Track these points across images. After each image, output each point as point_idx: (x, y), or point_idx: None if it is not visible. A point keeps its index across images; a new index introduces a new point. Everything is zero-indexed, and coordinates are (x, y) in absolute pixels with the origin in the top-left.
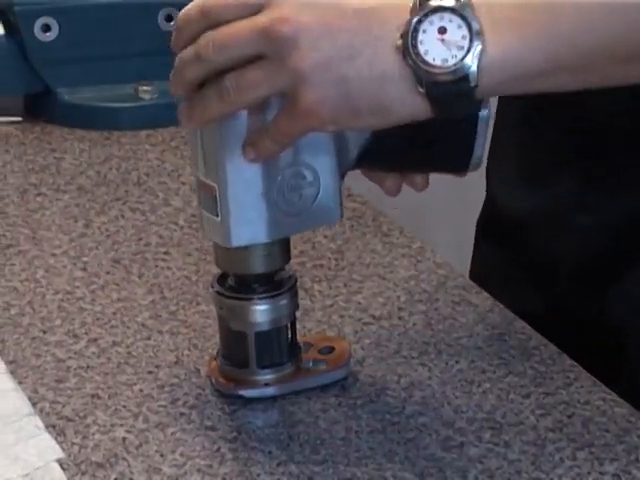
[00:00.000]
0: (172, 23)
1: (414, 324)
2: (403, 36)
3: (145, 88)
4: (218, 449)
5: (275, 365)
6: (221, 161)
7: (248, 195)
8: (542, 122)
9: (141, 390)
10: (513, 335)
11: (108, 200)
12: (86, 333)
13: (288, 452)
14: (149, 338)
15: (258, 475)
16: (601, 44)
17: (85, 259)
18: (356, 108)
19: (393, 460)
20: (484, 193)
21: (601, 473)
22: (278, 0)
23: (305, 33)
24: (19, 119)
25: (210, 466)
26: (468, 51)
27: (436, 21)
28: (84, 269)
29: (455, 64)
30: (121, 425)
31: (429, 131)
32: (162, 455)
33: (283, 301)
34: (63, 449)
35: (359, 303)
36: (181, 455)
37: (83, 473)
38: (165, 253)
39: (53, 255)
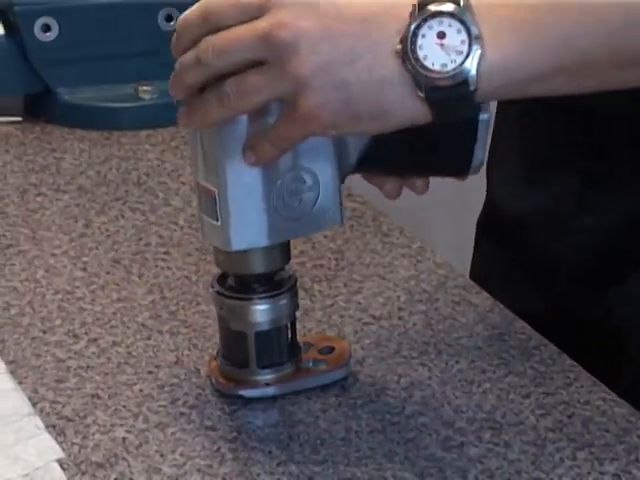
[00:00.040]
0: (172, 23)
1: (414, 324)
2: (402, 41)
3: (145, 88)
4: (218, 449)
5: (275, 365)
6: (221, 165)
7: (248, 199)
8: (542, 122)
9: (141, 390)
10: (513, 335)
11: (108, 200)
12: (86, 333)
13: (288, 452)
14: (149, 338)
15: (258, 475)
16: (599, 48)
17: (85, 259)
18: (356, 112)
19: (393, 460)
20: (484, 193)
21: (601, 473)
22: (278, 5)
23: (305, 38)
24: (19, 119)
25: (210, 466)
26: (467, 56)
27: (435, 26)
28: (84, 269)
29: (454, 69)
30: (121, 425)
31: (429, 135)
32: (162, 455)
33: (283, 301)
34: (63, 449)
35: (359, 303)
36: (181, 455)
37: (83, 473)
38: (165, 253)
39: (53, 255)
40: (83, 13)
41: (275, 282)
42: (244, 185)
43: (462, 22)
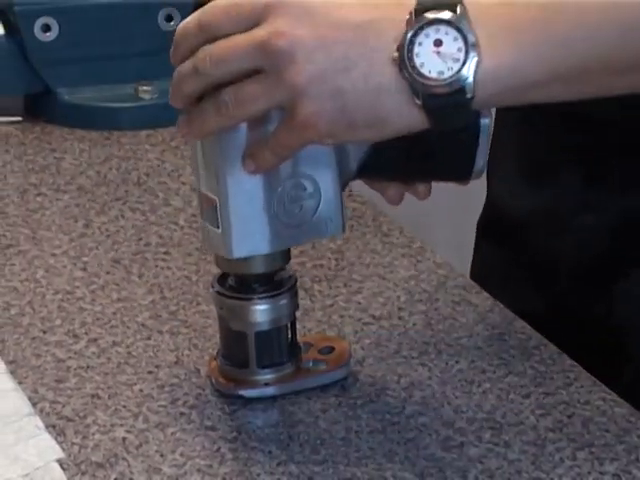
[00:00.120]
0: (172, 23)
1: (414, 324)
2: (399, 49)
3: (145, 88)
4: (218, 449)
5: (275, 365)
6: (221, 173)
7: (249, 207)
8: (542, 121)
9: (141, 390)
10: (513, 335)
11: (108, 200)
12: (86, 333)
13: (288, 452)
14: (149, 338)
15: (258, 475)
16: (596, 54)
17: (85, 259)
18: (352, 120)
19: (393, 460)
20: (484, 193)
21: (601, 473)
22: (275, 14)
23: (301, 46)
24: (19, 119)
25: (210, 466)
26: (464, 63)
27: (432, 34)
28: (84, 269)
29: (451, 76)
30: (121, 425)
31: (431, 141)
32: (162, 455)
33: (283, 301)
34: (63, 449)
35: (359, 303)
36: (181, 455)
37: (83, 473)
38: (165, 253)
39: (53, 255)
40: (83, 13)
41: (275, 282)
42: (245, 193)
43: (459, 30)
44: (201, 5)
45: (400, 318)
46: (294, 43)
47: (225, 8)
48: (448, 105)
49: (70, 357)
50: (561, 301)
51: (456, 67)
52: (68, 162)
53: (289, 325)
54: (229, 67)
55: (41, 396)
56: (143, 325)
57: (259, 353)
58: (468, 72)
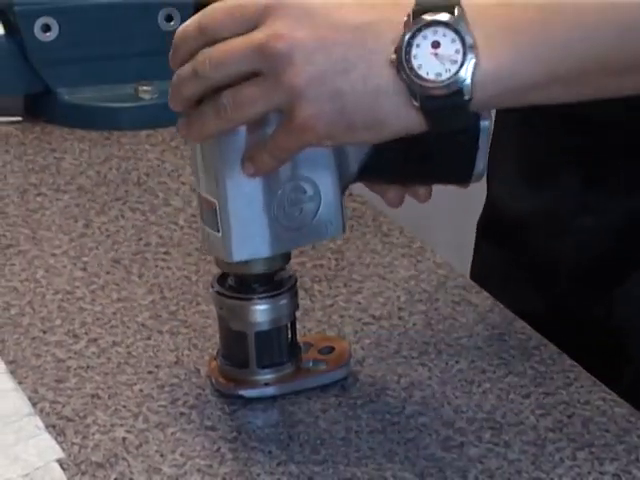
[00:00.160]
0: (172, 23)
1: (414, 324)
2: (397, 50)
3: (145, 88)
4: (218, 449)
5: (275, 365)
6: (221, 177)
7: (249, 210)
8: (542, 122)
9: (141, 390)
10: (513, 335)
11: (108, 200)
12: (86, 333)
13: (288, 452)
14: (149, 338)
15: (258, 475)
16: (594, 54)
17: (85, 259)
18: (351, 122)
19: (393, 460)
20: (484, 193)
21: (601, 473)
22: (274, 16)
23: (299, 49)
24: (19, 119)
25: (210, 466)
26: (461, 65)
27: (430, 35)
28: (84, 269)
29: (449, 78)
30: (121, 425)
31: (430, 144)
32: (162, 455)
33: (283, 301)
34: (63, 449)
35: (359, 303)
36: (181, 455)
37: (83, 473)
38: (165, 253)
39: (53, 255)
40: (83, 13)
41: (275, 282)
42: (244, 196)
43: (456, 32)
44: (202, 5)
45: (400, 318)
46: (292, 46)
47: (224, 11)
48: (446, 107)
49: (70, 357)
50: (561, 302)
51: (454, 69)
52: (68, 162)
53: (289, 325)
54: (228, 70)
55: (41, 396)
56: (143, 325)
57: (259, 353)
58: (466, 74)
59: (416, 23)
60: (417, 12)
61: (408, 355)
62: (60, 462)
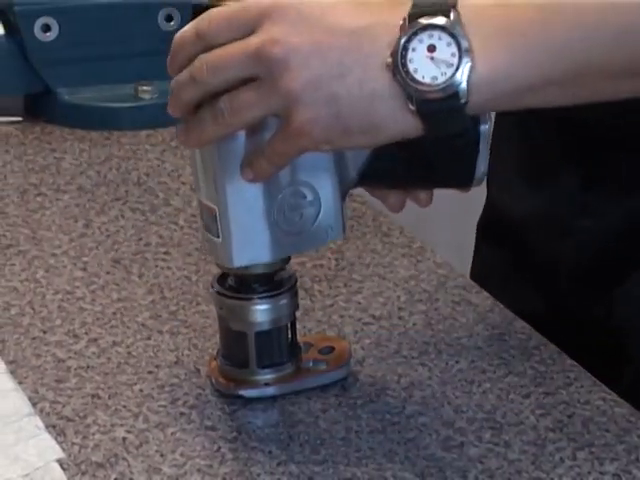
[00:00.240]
0: (172, 23)
1: (414, 324)
2: (393, 54)
3: (145, 88)
4: (218, 449)
5: (275, 365)
6: (220, 182)
7: (249, 216)
8: (542, 123)
9: (141, 390)
10: (513, 335)
11: (108, 200)
12: (86, 333)
13: (288, 452)
14: (149, 338)
15: (258, 475)
16: (590, 58)
17: (85, 259)
18: (347, 127)
19: (393, 460)
20: (484, 194)
21: (601, 473)
22: (271, 20)
23: (295, 53)
24: (19, 119)
25: (210, 466)
26: (457, 68)
27: (425, 39)
28: (84, 269)
29: (445, 81)
30: (121, 425)
31: (431, 149)
32: (162, 455)
33: (283, 301)
34: (63, 449)
35: (359, 303)
36: (181, 455)
37: (83, 473)
38: (165, 253)
39: (53, 255)
40: (83, 13)
41: (275, 282)
42: (244, 201)
43: (452, 35)
44: (200, 8)
45: (400, 318)
46: (289, 50)
47: (221, 16)
48: (442, 110)
49: (70, 357)
50: (561, 302)
51: (449, 72)
52: (68, 162)
53: (289, 325)
54: (225, 75)
55: (41, 396)
56: (143, 325)
57: (259, 353)
58: (461, 77)
59: (412, 27)
60: (413, 15)
61: (408, 355)
62: (60, 462)
